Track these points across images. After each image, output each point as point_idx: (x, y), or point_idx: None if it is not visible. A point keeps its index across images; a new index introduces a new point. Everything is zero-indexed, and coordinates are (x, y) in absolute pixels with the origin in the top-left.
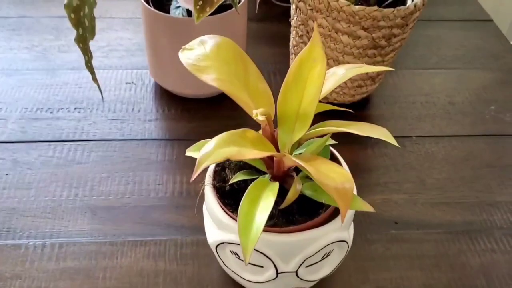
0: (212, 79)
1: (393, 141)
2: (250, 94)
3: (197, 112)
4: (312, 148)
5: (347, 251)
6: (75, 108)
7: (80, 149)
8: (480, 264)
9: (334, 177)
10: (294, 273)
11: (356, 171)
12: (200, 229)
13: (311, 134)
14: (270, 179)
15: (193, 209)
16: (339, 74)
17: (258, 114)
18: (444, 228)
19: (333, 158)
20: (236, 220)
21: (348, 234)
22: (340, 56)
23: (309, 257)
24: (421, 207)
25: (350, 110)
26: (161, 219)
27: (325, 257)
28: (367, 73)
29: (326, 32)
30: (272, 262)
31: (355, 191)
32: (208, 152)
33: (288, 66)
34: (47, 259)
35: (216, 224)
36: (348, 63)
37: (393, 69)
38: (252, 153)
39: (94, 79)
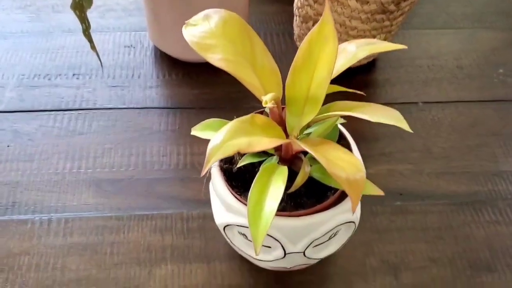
0: (219, 59)
1: (405, 126)
2: (257, 73)
3: (199, 77)
4: (321, 130)
5: (354, 230)
6: (73, 75)
7: (81, 118)
8: (485, 236)
9: (345, 167)
10: (302, 253)
11: (361, 140)
12: (206, 202)
13: (320, 118)
14: (278, 162)
15: (198, 182)
16: (350, 52)
17: (267, 102)
18: (448, 199)
19: (342, 138)
20: (244, 204)
21: (356, 215)
22: (347, 20)
23: (317, 239)
24: (426, 177)
25: (363, 93)
26: (167, 192)
27: (333, 237)
28: (374, 37)
29: None
30: (281, 244)
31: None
32: (217, 145)
33: (291, 27)
34: (54, 235)
35: (224, 207)
36: (356, 28)
37: (406, 47)
38: (261, 145)
39: (93, 47)
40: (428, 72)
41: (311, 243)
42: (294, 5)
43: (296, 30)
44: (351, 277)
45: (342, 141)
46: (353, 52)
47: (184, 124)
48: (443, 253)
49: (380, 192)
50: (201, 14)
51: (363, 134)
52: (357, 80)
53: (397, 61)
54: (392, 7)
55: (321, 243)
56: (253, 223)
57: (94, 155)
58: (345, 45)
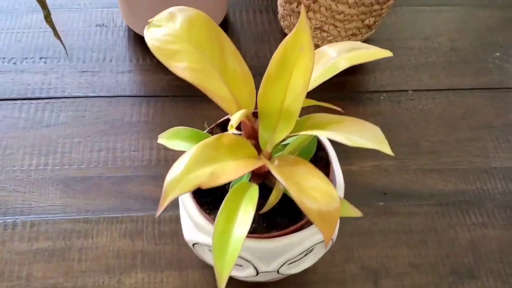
0: (183, 69)
1: (386, 149)
2: (228, 80)
3: None
4: (295, 144)
5: (331, 245)
6: (40, 58)
7: (48, 108)
8: (470, 239)
9: (317, 197)
10: (275, 271)
11: None
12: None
13: (294, 134)
14: (250, 179)
15: None
16: (330, 59)
17: (233, 127)
18: (434, 198)
19: (321, 148)
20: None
21: (334, 231)
22: (333, 4)
23: (291, 259)
24: (412, 174)
25: (340, 110)
26: (138, 191)
27: (309, 253)
28: (362, 21)
29: None
30: (252, 264)
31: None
32: (175, 179)
33: (276, 2)
34: (19, 240)
35: (193, 224)
36: (342, 12)
37: (391, 54)
38: (226, 175)
39: (56, 35)
40: (420, 56)
41: (285, 262)
42: None
43: (280, 9)
44: (330, 285)
45: (320, 152)
46: (333, 59)
47: (158, 114)
48: (426, 258)
49: (358, 214)
50: (166, 12)
51: None
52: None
53: (389, 43)
54: None
55: (296, 260)
56: (218, 257)
57: (62, 150)
58: (325, 49)
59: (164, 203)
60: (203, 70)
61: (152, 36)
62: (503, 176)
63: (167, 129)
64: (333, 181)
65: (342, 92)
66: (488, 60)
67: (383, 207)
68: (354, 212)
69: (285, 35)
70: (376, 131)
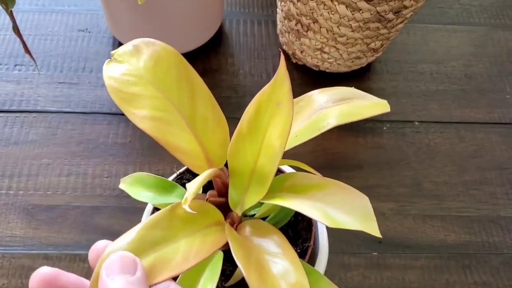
0: (142, 117)
1: (373, 231)
2: (197, 130)
3: None
4: (266, 208)
5: None
6: (15, 65)
7: (18, 123)
8: None
9: None
10: None
11: (342, 167)
12: None
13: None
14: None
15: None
16: (315, 112)
17: (187, 201)
18: (434, 250)
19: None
20: None
21: None
22: (335, 26)
23: None
24: (411, 221)
25: (317, 174)
26: (106, 225)
27: None
28: (367, 45)
29: None
30: None
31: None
32: None
33: (276, 14)
34: None
35: None
36: (345, 35)
37: (389, 110)
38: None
39: (26, 49)
40: (430, 82)
41: None
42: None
43: (278, 24)
44: None
45: (300, 223)
46: (320, 112)
47: (136, 136)
48: None
49: None
50: (130, 45)
51: (346, 158)
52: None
53: (397, 65)
54: (390, 15)
55: None
56: None
57: (28, 172)
58: (314, 95)
59: None
60: (167, 119)
61: (111, 75)
62: None
63: (145, 153)
64: (315, 245)
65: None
66: (506, 90)
67: (376, 258)
68: None
69: (283, 51)
70: (364, 203)
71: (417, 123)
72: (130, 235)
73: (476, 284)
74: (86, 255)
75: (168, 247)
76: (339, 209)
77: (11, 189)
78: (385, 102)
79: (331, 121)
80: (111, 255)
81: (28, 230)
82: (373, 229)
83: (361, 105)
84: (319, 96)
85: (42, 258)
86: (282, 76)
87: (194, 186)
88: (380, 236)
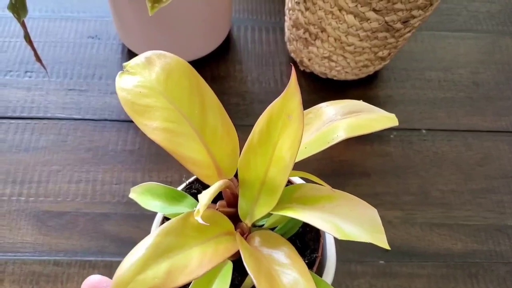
0: (154, 129)
1: (382, 243)
2: (207, 141)
3: None
4: (273, 219)
5: None
6: (25, 72)
7: (28, 129)
8: None
9: None
10: None
11: (349, 174)
12: None
13: (276, 213)
14: None
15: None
16: (324, 124)
17: (199, 212)
18: (441, 259)
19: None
20: None
21: None
22: (343, 36)
23: None
24: (418, 229)
25: (329, 187)
26: (116, 232)
27: None
28: (375, 53)
29: (327, 8)
30: None
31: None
32: (124, 279)
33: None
34: None
35: None
36: (353, 44)
37: (397, 124)
38: (186, 273)
39: (37, 57)
40: (438, 89)
41: None
42: (286, 5)
43: (286, 32)
44: None
45: (308, 234)
46: (330, 124)
47: (145, 143)
48: None
49: None
50: (142, 57)
51: (352, 165)
52: (354, 96)
53: (404, 72)
54: (398, 25)
55: None
56: None
57: (39, 179)
58: (323, 107)
59: None
60: (178, 130)
61: (124, 86)
62: None
63: (153, 160)
64: (323, 255)
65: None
66: None
67: (383, 267)
68: None
69: (291, 59)
70: (373, 215)
71: (424, 131)
72: (145, 243)
73: None
74: (96, 261)
75: (182, 253)
76: (348, 221)
77: (22, 196)
78: (393, 116)
79: (340, 134)
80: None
81: (39, 236)
82: (382, 241)
83: (370, 118)
84: (328, 109)
85: (53, 264)
86: (293, 89)
87: (206, 198)
88: (389, 248)
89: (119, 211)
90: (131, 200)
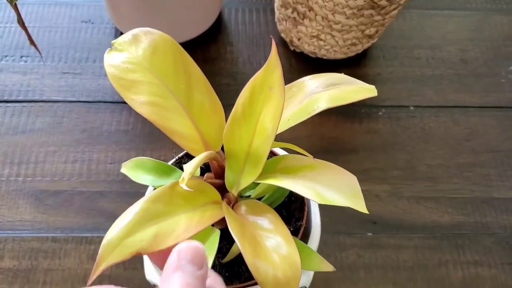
0: (141, 103)
1: (361, 207)
2: (194, 115)
3: None
4: (260, 190)
5: None
6: (21, 57)
7: (25, 112)
8: (462, 279)
9: (276, 262)
10: None
11: (337, 150)
12: None
13: (260, 181)
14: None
15: None
16: (306, 97)
17: (184, 180)
18: (427, 231)
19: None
20: None
21: (308, 276)
22: (330, 14)
23: None
24: (405, 202)
25: (312, 157)
26: (111, 209)
27: None
28: (362, 31)
29: None
30: None
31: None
32: (112, 242)
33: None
34: None
35: (153, 265)
36: (340, 22)
37: (376, 94)
38: (172, 237)
39: (30, 40)
40: (426, 67)
41: None
42: None
43: (276, 12)
44: None
45: (294, 204)
46: (312, 96)
47: (139, 124)
48: None
49: (331, 268)
50: (130, 35)
51: (342, 143)
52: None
53: (393, 50)
54: (383, 2)
55: None
56: None
57: (36, 160)
58: (306, 80)
59: (96, 271)
60: (164, 104)
61: (111, 63)
62: (505, 208)
63: (146, 140)
64: (308, 224)
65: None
66: (501, 73)
67: (371, 238)
68: (325, 266)
69: (281, 39)
70: (352, 182)
71: (412, 108)
72: (134, 208)
73: (468, 263)
74: (92, 237)
75: (170, 219)
76: (329, 187)
77: (19, 176)
78: (372, 87)
79: (321, 105)
80: (186, 241)
81: (37, 214)
82: (360, 206)
83: (350, 90)
84: (310, 82)
85: (50, 240)
86: (274, 62)
87: (191, 166)
88: (367, 212)
89: (114, 189)
90: (126, 178)
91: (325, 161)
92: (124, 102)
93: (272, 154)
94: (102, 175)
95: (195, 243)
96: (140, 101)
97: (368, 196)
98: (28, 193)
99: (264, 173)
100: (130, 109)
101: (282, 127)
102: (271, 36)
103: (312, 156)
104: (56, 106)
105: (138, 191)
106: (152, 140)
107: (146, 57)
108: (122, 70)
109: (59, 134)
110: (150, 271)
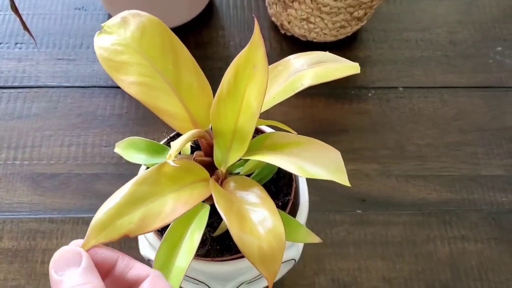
0: (130, 83)
1: (343, 180)
2: (182, 95)
3: None
4: (249, 166)
5: (295, 263)
6: (16, 44)
7: (21, 98)
8: (449, 254)
9: (261, 235)
10: None
11: (329, 131)
12: None
13: (246, 158)
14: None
15: None
16: (291, 75)
17: (171, 156)
18: (416, 208)
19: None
20: None
21: (297, 249)
22: None
23: (247, 281)
24: (394, 181)
25: (295, 133)
26: (106, 190)
27: None
28: (351, 14)
29: None
30: (207, 285)
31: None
32: (101, 223)
33: None
34: None
35: (147, 239)
36: (328, 5)
37: (359, 71)
38: (160, 219)
39: (25, 27)
40: (415, 49)
41: (241, 283)
42: None
43: None
44: None
45: (282, 180)
46: (297, 74)
47: (133, 108)
48: (400, 272)
49: (317, 240)
50: (119, 17)
51: (333, 123)
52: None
53: (382, 33)
54: None
55: (255, 280)
56: None
57: (32, 144)
58: (291, 59)
59: (85, 248)
60: (153, 84)
61: (101, 45)
62: (491, 185)
63: (140, 123)
64: (297, 200)
65: (328, 87)
66: (489, 55)
67: (360, 215)
68: (312, 238)
69: (272, 22)
70: (335, 157)
71: (401, 88)
72: (121, 192)
73: (455, 238)
74: (88, 218)
75: (157, 200)
76: (313, 162)
77: (17, 160)
78: (356, 64)
79: (306, 82)
80: (55, 252)
81: (34, 196)
82: (343, 179)
83: (333, 67)
84: (296, 60)
85: (48, 221)
86: (257, 41)
87: (177, 143)
88: (350, 185)
89: (109, 171)
90: (120, 160)
91: (310, 138)
92: (118, 87)
93: (259, 131)
94: (97, 158)
95: (63, 249)
96: (129, 82)
97: (358, 175)
98: (25, 176)
99: (251, 150)
100: (123, 93)
101: (268, 105)
102: (253, 15)
103: (296, 133)
104: (51, 92)
105: (133, 172)
106: (146, 124)
107: (135, 39)
108: (112, 52)
109: (55, 119)
110: (144, 246)
